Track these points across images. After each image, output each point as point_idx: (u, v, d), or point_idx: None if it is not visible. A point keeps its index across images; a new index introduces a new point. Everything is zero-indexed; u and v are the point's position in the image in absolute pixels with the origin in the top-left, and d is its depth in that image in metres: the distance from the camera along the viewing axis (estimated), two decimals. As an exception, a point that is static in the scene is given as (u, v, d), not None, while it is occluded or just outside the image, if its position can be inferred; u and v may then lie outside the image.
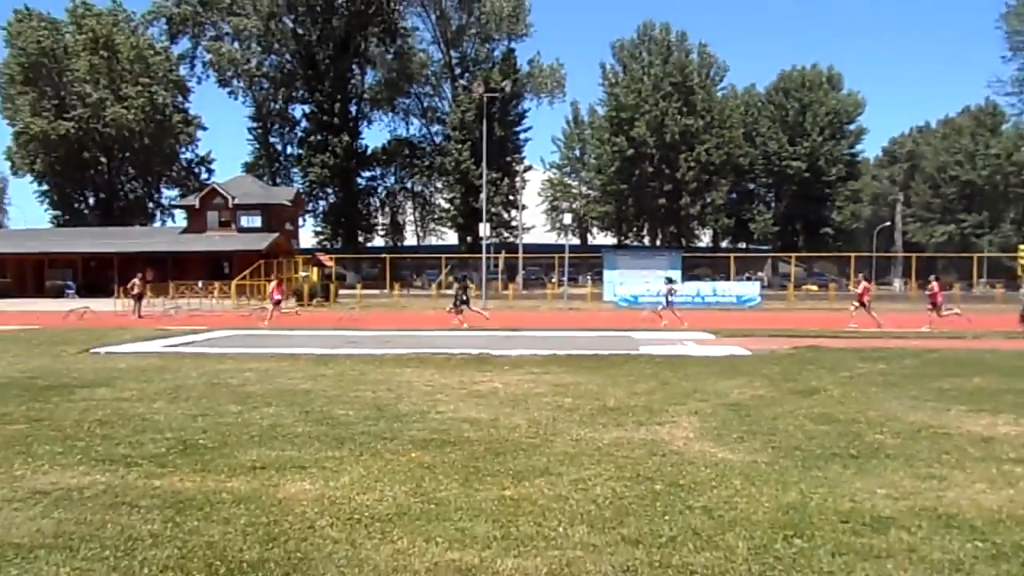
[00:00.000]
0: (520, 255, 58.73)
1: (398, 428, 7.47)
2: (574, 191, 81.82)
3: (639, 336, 19.01)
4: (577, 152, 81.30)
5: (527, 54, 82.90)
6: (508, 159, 66.07)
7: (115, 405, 8.84)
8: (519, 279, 55.43)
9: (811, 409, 8.46)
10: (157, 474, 5.73)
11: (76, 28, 64.09)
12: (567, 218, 62.63)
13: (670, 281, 26.74)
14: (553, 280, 48.39)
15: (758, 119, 74.29)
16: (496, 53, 69.08)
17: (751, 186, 77.06)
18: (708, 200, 69.34)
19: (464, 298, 24.77)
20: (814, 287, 53.12)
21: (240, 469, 5.87)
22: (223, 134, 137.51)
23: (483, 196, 46.67)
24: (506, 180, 65.48)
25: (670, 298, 24.71)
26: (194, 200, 48.35)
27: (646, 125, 66.34)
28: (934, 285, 22.97)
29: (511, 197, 67.22)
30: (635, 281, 38.07)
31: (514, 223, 68.07)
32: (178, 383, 10.60)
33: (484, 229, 45.80)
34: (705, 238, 79.71)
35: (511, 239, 66.51)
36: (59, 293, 43.28)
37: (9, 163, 68.80)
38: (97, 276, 44.73)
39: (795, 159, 70.70)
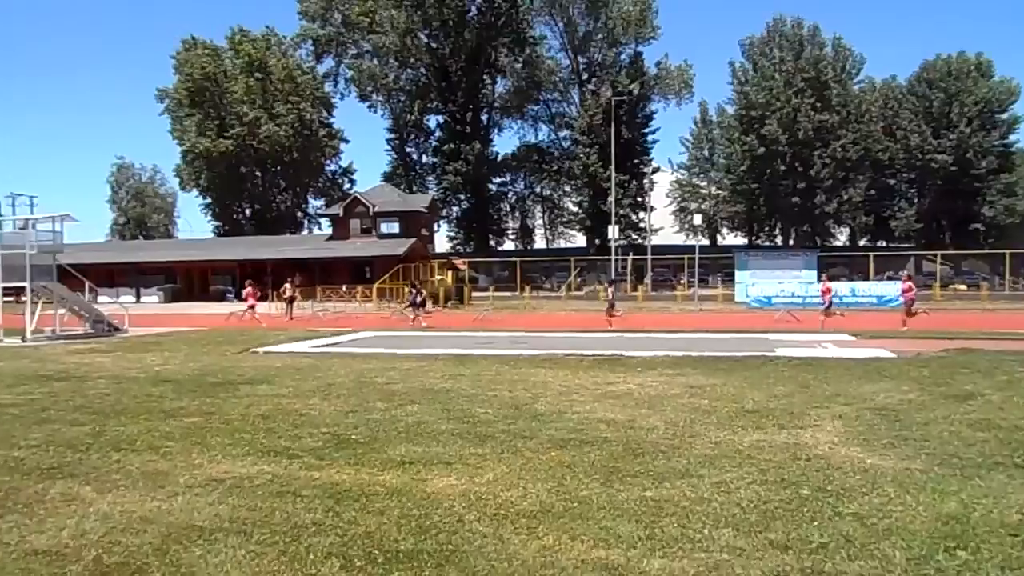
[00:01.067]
0: (649, 256, 58.00)
1: (536, 427, 7.62)
2: (703, 191, 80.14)
3: (774, 338, 18.43)
4: (706, 152, 79.79)
5: (655, 56, 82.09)
6: (636, 161, 65.47)
7: (275, 401, 9.47)
8: (648, 280, 54.73)
9: (967, 415, 7.96)
10: (316, 466, 6.13)
11: (234, 53, 69.20)
12: (697, 219, 61.28)
13: (611, 283, 28.71)
14: (683, 281, 47.51)
15: (899, 112, 69.82)
16: (623, 57, 68.67)
17: (891, 181, 72.45)
18: (845, 197, 66.02)
19: (418, 301, 26.18)
20: (963, 286, 49.39)
21: (390, 463, 6.18)
22: (364, 146, 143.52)
23: (611, 199, 46.54)
24: (634, 182, 64.90)
25: (612, 300, 25.92)
26: (338, 209, 50.85)
27: (778, 122, 64.17)
28: (906, 285, 22.65)
29: (639, 199, 66.50)
30: (768, 282, 36.97)
31: (642, 225, 67.27)
32: (329, 381, 11.21)
33: (612, 231, 45.68)
34: (842, 237, 76.05)
35: (639, 241, 65.79)
36: (220, 297, 46.70)
37: (178, 180, 75.55)
38: (253, 281, 47.68)
39: (940, 152, 65.88)
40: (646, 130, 67.82)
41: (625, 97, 54.76)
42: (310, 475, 5.84)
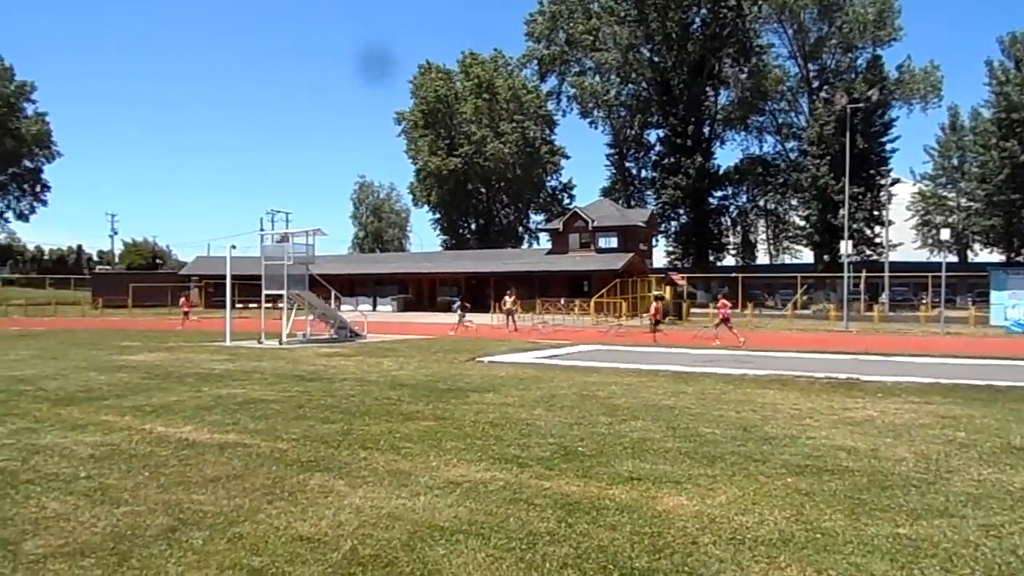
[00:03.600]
0: (885, 274, 53.58)
1: (768, 451, 7.27)
2: (951, 204, 72.82)
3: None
4: (955, 161, 72.54)
5: (896, 59, 76.10)
6: (872, 172, 61.00)
7: (502, 409, 9.80)
8: (884, 300, 50.54)
9: None
10: (545, 476, 6.24)
11: (464, 76, 73.41)
12: (944, 233, 55.89)
13: (461, 298, 29.16)
14: (925, 301, 43.37)
15: None
16: (859, 62, 64.17)
17: None
18: None
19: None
20: None
21: (618, 478, 6.15)
22: (583, 161, 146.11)
23: (844, 212, 43.58)
24: (869, 195, 60.50)
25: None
26: (558, 224, 51.92)
27: (1045, 125, 56.87)
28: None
29: (875, 212, 61.85)
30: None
31: (878, 240, 62.43)
32: (552, 392, 11.42)
33: (845, 247, 42.76)
34: None
35: (874, 257, 61.09)
36: (447, 308, 49.22)
37: (411, 196, 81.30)
38: (477, 293, 49.95)
39: None
40: (884, 138, 63.04)
41: (861, 104, 51.18)
42: (541, 484, 5.95)
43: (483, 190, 77.80)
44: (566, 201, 76.96)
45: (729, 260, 76.78)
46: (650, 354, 19.35)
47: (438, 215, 79.32)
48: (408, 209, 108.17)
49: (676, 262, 70.22)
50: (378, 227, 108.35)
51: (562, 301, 41.99)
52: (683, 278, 49.87)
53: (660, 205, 69.51)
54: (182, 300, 36.47)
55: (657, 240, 67.67)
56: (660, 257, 70.62)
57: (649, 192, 74.35)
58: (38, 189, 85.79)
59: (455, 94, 73.66)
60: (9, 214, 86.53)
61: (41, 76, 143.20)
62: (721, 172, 73.25)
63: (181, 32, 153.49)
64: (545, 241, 61.62)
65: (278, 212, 78.88)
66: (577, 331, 30.96)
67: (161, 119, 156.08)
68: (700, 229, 70.13)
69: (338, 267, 52.07)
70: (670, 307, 41.01)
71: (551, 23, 73.52)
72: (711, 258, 71.87)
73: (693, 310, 44.97)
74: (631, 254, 46.84)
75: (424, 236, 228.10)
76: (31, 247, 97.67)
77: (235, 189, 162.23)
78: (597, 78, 74.46)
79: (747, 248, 79.06)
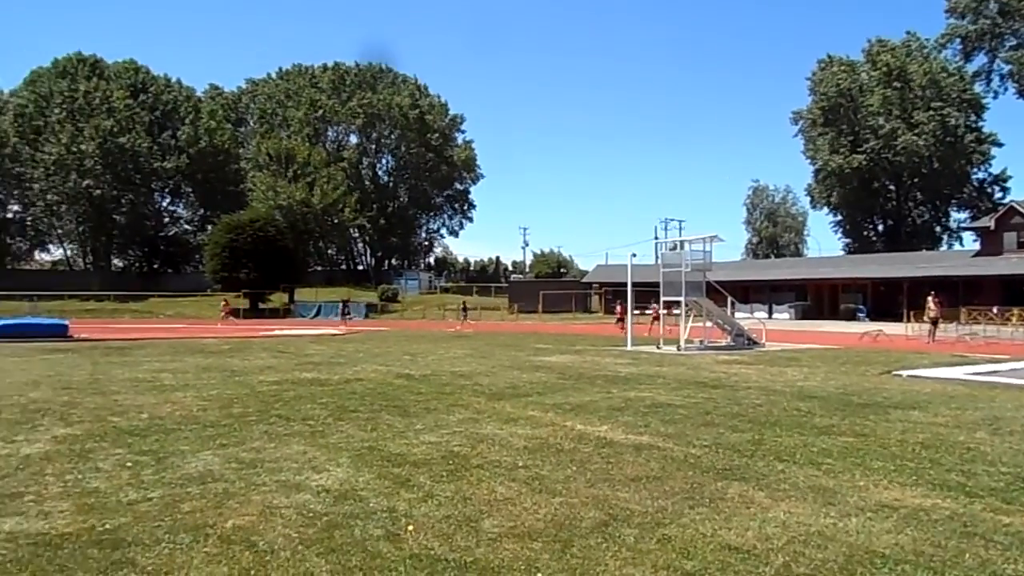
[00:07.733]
0: None
1: None
2: None
3: None
4: None
5: None
6: None
7: (932, 429, 8.72)
8: None
9: None
10: (1003, 510, 5.37)
11: (871, 65, 67.74)
12: None
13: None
14: None
15: None
16: None
17: None
18: None
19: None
20: None
21: (1105, 524, 5.06)
22: (1020, 149, 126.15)
23: None
24: None
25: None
26: (988, 221, 45.49)
27: None
28: None
29: None
30: None
31: None
32: (995, 414, 9.89)
33: None
34: None
35: None
36: (851, 316, 45.82)
37: (809, 198, 77.46)
38: (886, 300, 45.71)
39: None
40: None
41: None
42: (997, 519, 5.13)
43: (892, 188, 71.03)
44: (998, 195, 66.88)
45: None
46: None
47: (839, 217, 74.50)
48: (805, 212, 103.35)
49: None
50: (773, 232, 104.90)
51: (995, 310, 36.44)
52: None
53: None
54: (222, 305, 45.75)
55: None
56: None
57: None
58: (466, 208, 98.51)
59: (860, 86, 68.30)
60: (443, 231, 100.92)
61: (464, 107, 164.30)
62: None
63: (573, 52, 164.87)
64: (970, 242, 54.28)
65: (671, 220, 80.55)
66: (1017, 344, 26.57)
67: (563, 136, 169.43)
68: None
69: (732, 273, 51.35)
70: None
71: (979, -6, 64.36)
72: None
73: None
74: (1092, 254, 39.08)
75: (823, 240, 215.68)
76: (460, 259, 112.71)
77: (630, 199, 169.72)
78: (1042, 48, 63.35)
79: None
